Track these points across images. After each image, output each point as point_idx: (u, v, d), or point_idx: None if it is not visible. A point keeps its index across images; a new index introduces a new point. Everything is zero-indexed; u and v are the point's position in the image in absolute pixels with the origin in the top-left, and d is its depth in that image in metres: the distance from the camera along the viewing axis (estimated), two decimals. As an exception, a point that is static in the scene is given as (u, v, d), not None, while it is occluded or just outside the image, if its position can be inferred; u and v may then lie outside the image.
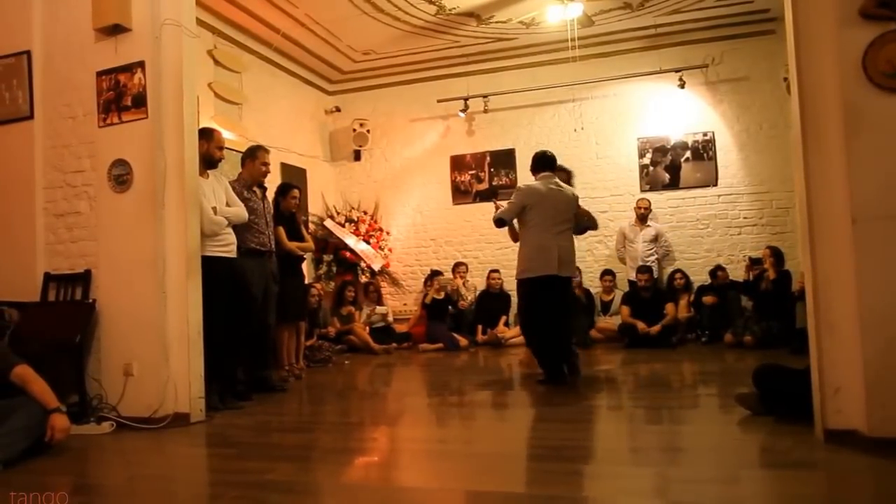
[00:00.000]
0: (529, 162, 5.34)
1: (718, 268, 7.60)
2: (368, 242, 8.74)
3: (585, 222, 5.37)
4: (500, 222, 5.19)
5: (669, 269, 8.00)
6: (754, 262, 7.16)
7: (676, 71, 7.96)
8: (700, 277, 7.81)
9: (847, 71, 2.88)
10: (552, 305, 4.94)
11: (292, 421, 4.38)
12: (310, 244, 6.14)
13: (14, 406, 3.21)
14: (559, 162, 5.33)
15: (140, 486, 2.92)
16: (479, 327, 8.18)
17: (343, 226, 8.75)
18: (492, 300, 8.33)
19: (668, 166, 8.26)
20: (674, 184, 8.24)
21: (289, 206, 5.72)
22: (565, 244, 5.05)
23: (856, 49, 2.87)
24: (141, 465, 3.30)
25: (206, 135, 4.56)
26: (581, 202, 5.35)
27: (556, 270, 4.92)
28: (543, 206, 4.99)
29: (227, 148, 4.91)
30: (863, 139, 2.86)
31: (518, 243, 5.22)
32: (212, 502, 2.68)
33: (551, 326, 4.94)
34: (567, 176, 5.52)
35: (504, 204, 5.21)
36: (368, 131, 9.13)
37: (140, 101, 4.08)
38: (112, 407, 4.02)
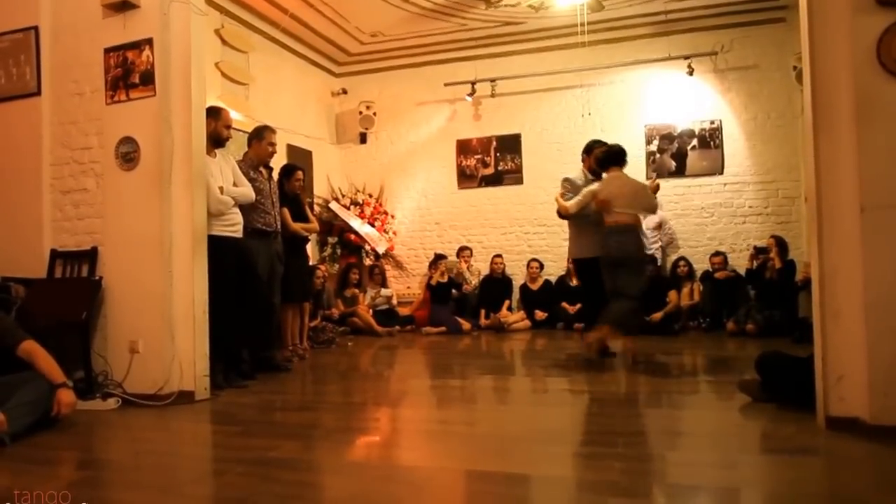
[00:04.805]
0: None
1: (716, 254, 7.64)
2: (373, 225, 8.75)
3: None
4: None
5: (673, 257, 7.99)
6: (759, 251, 7.16)
7: (685, 58, 7.91)
8: (703, 265, 7.80)
9: (861, 58, 2.86)
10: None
11: (296, 400, 4.40)
12: (314, 225, 6.16)
13: (21, 380, 3.25)
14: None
15: (145, 462, 2.95)
16: (483, 311, 8.21)
17: (348, 208, 8.76)
18: (495, 285, 8.36)
19: (675, 154, 8.22)
20: (680, 171, 8.20)
21: (293, 188, 5.72)
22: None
23: (870, 36, 2.84)
24: (146, 440, 3.33)
25: (214, 113, 4.55)
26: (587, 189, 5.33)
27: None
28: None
29: (233, 128, 4.90)
30: (875, 127, 2.84)
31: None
32: (216, 478, 2.70)
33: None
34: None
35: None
36: (375, 114, 9.10)
37: (148, 79, 4.07)
38: (118, 383, 4.06)
